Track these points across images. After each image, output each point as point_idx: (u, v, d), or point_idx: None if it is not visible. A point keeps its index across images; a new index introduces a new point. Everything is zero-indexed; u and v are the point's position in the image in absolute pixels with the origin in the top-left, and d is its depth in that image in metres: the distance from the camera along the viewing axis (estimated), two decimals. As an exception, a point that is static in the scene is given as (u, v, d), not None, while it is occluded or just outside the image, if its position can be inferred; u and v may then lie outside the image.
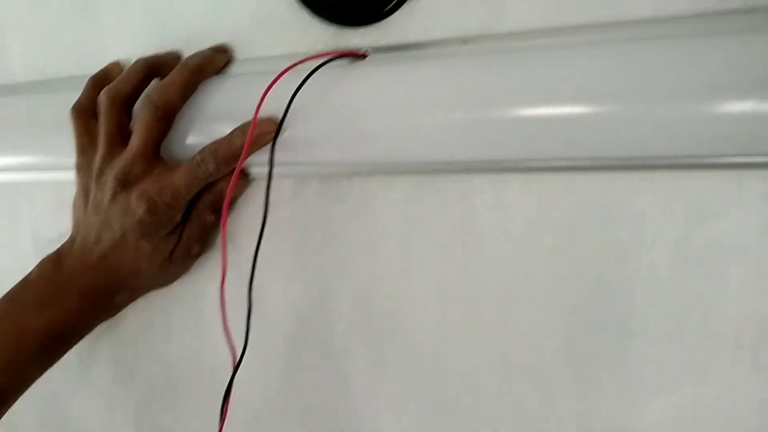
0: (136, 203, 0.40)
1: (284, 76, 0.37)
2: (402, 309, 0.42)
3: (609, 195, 0.36)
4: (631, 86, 0.32)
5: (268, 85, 0.36)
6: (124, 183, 0.40)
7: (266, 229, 0.40)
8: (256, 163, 0.40)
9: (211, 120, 0.41)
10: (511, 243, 0.38)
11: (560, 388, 0.38)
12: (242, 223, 0.45)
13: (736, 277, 0.35)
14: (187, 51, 0.43)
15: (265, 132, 0.37)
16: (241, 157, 0.37)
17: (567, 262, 0.37)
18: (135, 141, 0.40)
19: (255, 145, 0.38)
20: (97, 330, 0.48)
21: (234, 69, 0.42)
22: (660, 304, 0.36)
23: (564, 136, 0.34)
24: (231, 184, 0.37)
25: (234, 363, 0.39)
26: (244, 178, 0.42)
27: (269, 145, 0.38)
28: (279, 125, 0.37)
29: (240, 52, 0.42)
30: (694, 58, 0.32)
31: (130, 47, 0.46)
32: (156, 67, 0.42)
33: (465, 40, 0.36)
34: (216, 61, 0.41)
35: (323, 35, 0.40)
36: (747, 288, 0.35)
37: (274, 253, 0.44)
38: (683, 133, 0.32)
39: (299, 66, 0.37)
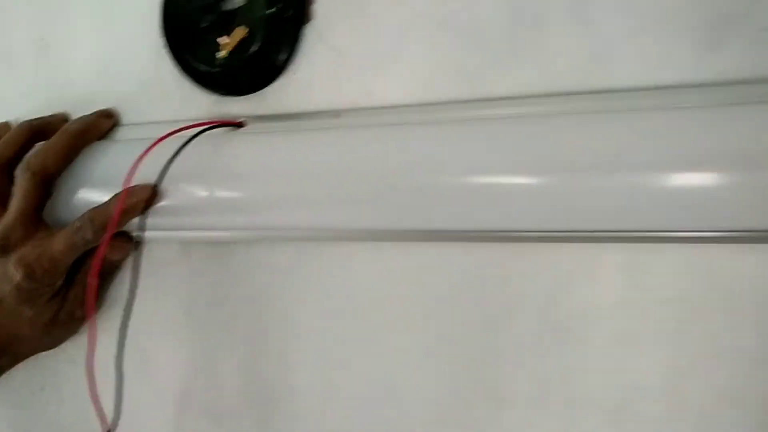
0: (13, 269, 0.39)
1: (165, 142, 0.37)
2: (287, 374, 0.41)
3: (480, 264, 0.37)
4: (496, 161, 0.33)
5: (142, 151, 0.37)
6: (3, 248, 0.40)
7: (154, 292, 0.40)
8: (142, 228, 0.40)
9: (93, 185, 0.40)
10: (388, 309, 0.39)
11: (437, 455, 0.39)
12: (129, 286, 0.44)
13: (598, 345, 0.36)
14: (76, 113, 0.43)
15: (141, 199, 0.37)
16: (111, 224, 0.36)
17: (441, 329, 0.38)
18: (14, 206, 0.40)
19: (131, 212, 0.38)
20: (-14, 391, 0.47)
21: (120, 134, 0.42)
22: (527, 370, 0.36)
23: (435, 208, 0.35)
24: (100, 251, 0.37)
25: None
26: (129, 242, 0.42)
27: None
28: (153, 192, 0.37)
29: (126, 117, 0.43)
30: (551, 136, 0.33)
31: (19, 108, 0.46)
32: (40, 130, 0.42)
33: (337, 114, 0.37)
34: (100, 126, 0.41)
35: (204, 103, 0.40)
36: (608, 355, 0.36)
37: (162, 317, 0.44)
38: (546, 208, 0.33)
39: (181, 133, 0.37)
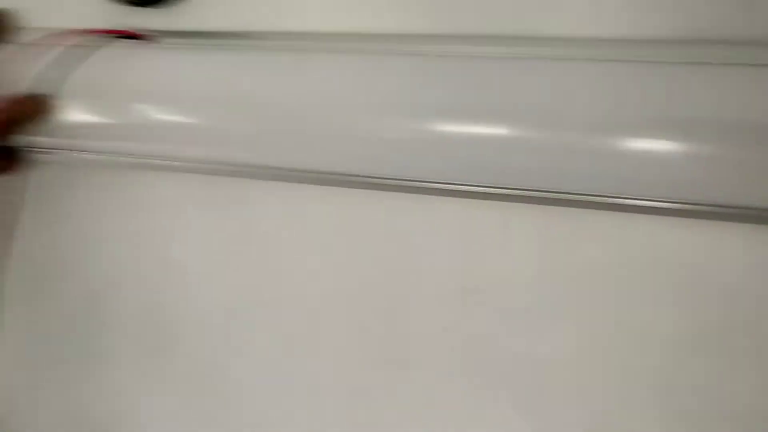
0: None
1: (64, 53, 0.34)
2: (184, 314, 0.39)
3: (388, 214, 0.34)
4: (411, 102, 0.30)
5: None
6: None
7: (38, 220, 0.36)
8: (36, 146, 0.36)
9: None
10: (286, 254, 0.36)
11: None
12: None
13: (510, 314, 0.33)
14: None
15: (31, 109, 0.34)
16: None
17: (343, 280, 0.35)
18: None
19: (17, 121, 0.34)
20: None
21: (22, 37, 0.38)
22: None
23: (341, 151, 0.32)
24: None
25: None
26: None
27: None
28: (44, 103, 0.34)
29: (28, 21, 0.39)
30: (480, 82, 0.30)
31: None
32: None
33: (259, 35, 0.34)
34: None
35: (114, 13, 0.37)
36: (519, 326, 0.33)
37: (49, 245, 0.40)
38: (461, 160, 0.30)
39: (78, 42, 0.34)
